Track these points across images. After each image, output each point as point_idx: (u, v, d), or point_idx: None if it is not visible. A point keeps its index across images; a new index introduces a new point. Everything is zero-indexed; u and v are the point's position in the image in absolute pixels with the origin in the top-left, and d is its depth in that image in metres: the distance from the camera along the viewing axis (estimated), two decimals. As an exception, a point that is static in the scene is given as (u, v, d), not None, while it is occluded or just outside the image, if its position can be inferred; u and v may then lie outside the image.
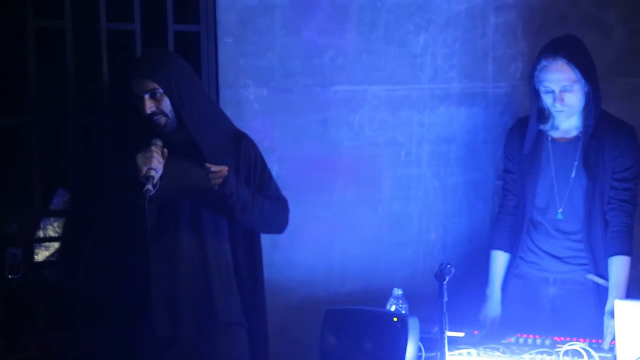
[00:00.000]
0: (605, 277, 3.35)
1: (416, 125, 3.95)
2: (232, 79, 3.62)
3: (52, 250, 3.54)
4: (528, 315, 3.41)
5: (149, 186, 2.91)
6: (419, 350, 3.04)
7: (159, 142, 3.01)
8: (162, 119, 3.03)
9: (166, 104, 3.01)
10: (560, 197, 3.41)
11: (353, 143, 3.85)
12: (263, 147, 3.37)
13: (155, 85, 2.98)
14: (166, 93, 2.99)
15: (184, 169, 3.06)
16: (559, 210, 3.41)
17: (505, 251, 3.51)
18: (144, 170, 2.93)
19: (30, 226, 3.47)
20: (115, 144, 3.32)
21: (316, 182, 3.79)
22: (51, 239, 3.53)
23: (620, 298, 3.16)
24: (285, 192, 3.28)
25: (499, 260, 3.52)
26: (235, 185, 3.00)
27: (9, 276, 3.19)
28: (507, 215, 3.54)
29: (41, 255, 3.53)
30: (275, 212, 3.18)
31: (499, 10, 4.01)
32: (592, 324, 3.27)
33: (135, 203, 2.90)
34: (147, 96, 3.00)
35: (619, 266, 3.30)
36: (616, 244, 3.32)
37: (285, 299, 3.73)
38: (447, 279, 2.84)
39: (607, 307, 3.23)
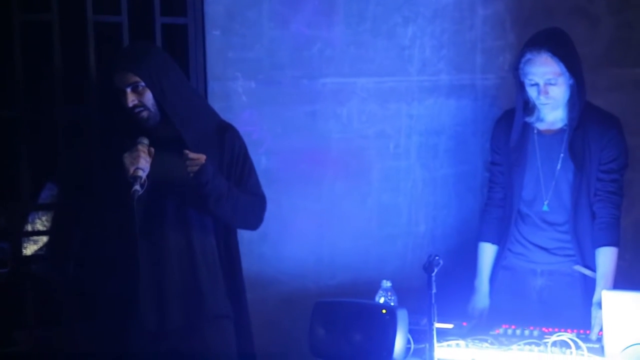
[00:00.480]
0: (592, 268, 3.35)
1: (405, 117, 3.95)
2: (220, 71, 3.60)
3: (40, 244, 3.53)
4: (516, 307, 3.42)
5: (137, 187, 2.89)
6: (408, 342, 3.03)
7: (146, 141, 2.99)
8: (145, 113, 3.01)
9: (148, 98, 2.99)
10: (546, 189, 3.41)
11: (342, 135, 3.84)
12: (251, 139, 3.35)
13: (137, 79, 2.97)
14: (148, 86, 2.98)
15: (169, 164, 3.04)
16: (545, 202, 3.41)
17: (493, 243, 3.52)
18: (132, 170, 2.91)
19: (19, 220, 3.46)
20: (102, 138, 3.30)
21: (305, 174, 3.78)
22: (39, 233, 3.52)
23: (608, 289, 3.16)
24: (274, 185, 3.28)
25: (487, 252, 3.52)
26: (211, 174, 2.99)
27: (-3, 270, 3.20)
28: (495, 207, 3.54)
29: (29, 249, 3.51)
30: (250, 208, 3.16)
31: (487, 1, 4.01)
32: (580, 314, 3.27)
33: (123, 201, 2.89)
34: (129, 89, 2.98)
35: (606, 257, 3.30)
36: (604, 235, 3.32)
37: (274, 292, 3.73)
38: (435, 270, 2.83)
39: (595, 298, 3.24)
